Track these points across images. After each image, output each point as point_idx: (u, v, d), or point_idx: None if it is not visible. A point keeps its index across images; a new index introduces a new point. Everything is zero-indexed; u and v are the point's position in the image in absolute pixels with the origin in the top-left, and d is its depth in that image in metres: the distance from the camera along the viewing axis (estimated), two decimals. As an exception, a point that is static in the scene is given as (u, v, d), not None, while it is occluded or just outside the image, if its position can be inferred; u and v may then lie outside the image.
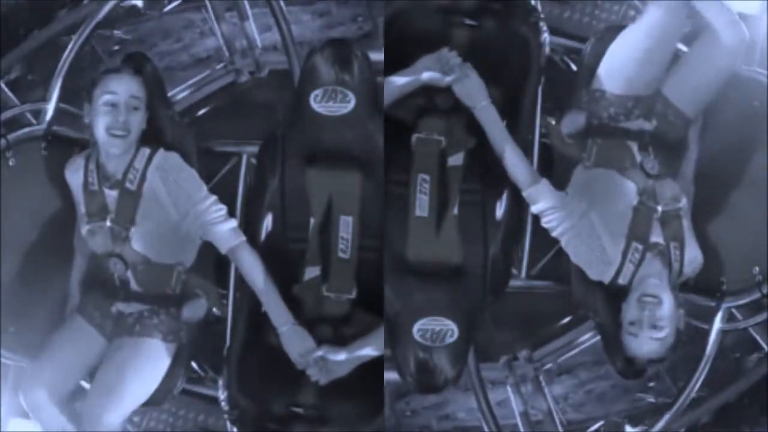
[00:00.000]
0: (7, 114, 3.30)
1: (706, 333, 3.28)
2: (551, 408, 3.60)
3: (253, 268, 3.11)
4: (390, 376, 3.19)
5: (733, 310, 3.28)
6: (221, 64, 3.68)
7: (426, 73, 3.07)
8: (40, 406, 3.11)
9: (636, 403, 3.68)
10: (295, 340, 3.06)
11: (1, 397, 3.33)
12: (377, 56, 3.21)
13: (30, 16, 3.45)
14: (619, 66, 3.11)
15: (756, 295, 3.24)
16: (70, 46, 3.33)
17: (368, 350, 3.08)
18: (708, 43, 3.09)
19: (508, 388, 3.61)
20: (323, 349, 3.04)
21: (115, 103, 3.03)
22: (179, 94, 3.65)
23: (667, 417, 3.32)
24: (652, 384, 3.65)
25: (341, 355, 3.04)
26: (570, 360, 3.68)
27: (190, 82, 3.67)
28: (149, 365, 3.15)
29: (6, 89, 3.38)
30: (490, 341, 3.58)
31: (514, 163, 3.09)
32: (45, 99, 3.34)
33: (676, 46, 3.10)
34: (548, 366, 3.63)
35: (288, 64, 3.47)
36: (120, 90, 3.05)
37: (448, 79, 3.06)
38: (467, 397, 3.66)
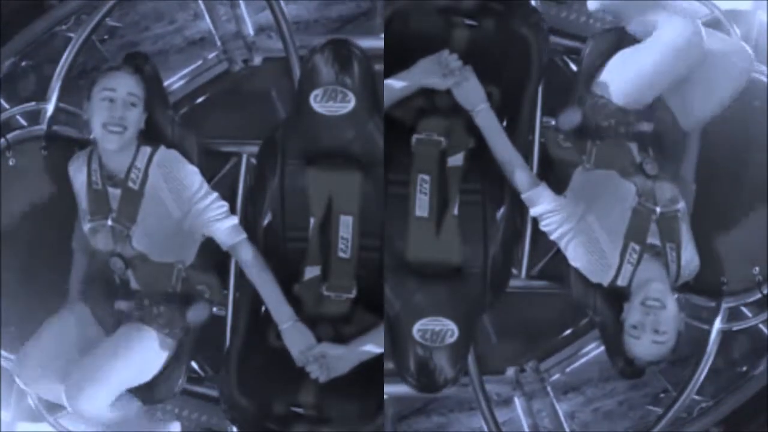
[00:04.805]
0: (6, 114, 3.32)
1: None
2: (562, 422, 3.59)
3: (254, 265, 3.13)
4: (390, 390, 3.19)
5: (743, 308, 3.29)
6: (213, 53, 3.66)
7: (426, 78, 3.07)
8: (30, 378, 3.12)
9: (643, 420, 3.67)
10: (296, 337, 3.06)
11: (3, 400, 3.35)
12: (377, 42, 3.21)
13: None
14: (625, 79, 3.09)
15: (756, 295, 3.25)
16: (69, 47, 3.32)
17: (368, 347, 3.08)
18: (714, 69, 3.07)
19: (516, 402, 3.61)
20: (323, 346, 3.05)
21: (113, 98, 3.04)
22: (174, 84, 3.63)
23: (669, 415, 3.31)
24: (662, 396, 3.64)
25: (341, 351, 3.05)
26: (577, 376, 3.68)
27: (184, 71, 3.65)
28: (141, 353, 3.13)
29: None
30: (491, 351, 3.59)
31: (513, 166, 3.10)
32: (37, 87, 3.36)
33: (685, 70, 3.06)
34: (556, 377, 3.62)
35: (282, 46, 3.43)
36: (118, 86, 3.06)
37: (447, 82, 3.06)
38: (470, 418, 3.68)
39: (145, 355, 3.14)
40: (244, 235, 3.14)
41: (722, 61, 3.09)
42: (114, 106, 3.04)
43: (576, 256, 3.09)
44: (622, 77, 3.11)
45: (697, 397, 3.32)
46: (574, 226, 3.06)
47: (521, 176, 3.09)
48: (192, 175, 3.14)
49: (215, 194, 3.14)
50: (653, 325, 2.94)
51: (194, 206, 3.11)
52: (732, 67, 3.11)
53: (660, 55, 3.02)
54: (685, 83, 3.08)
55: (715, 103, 3.13)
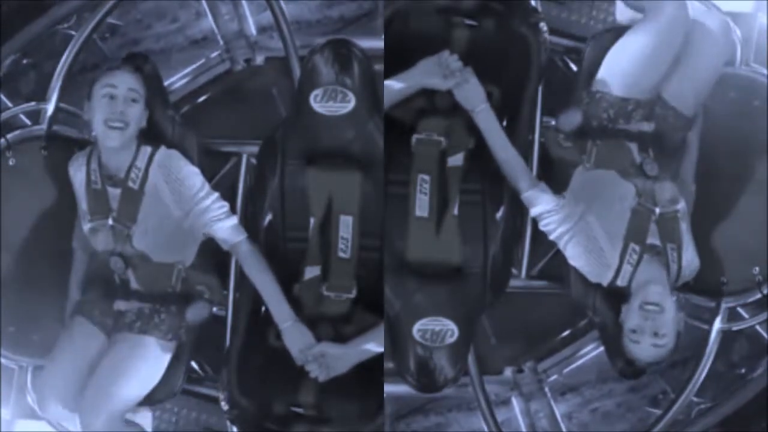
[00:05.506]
0: (6, 114, 3.31)
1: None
2: (559, 423, 3.59)
3: (255, 265, 3.13)
4: (390, 389, 3.19)
5: (739, 309, 3.29)
6: (216, 52, 3.66)
7: (426, 79, 3.07)
8: (55, 414, 3.16)
9: (642, 421, 3.66)
10: (296, 337, 3.06)
11: (3, 398, 3.35)
12: (377, 43, 3.20)
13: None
14: (621, 67, 3.11)
15: (756, 295, 3.25)
16: (70, 46, 3.32)
17: (368, 346, 3.07)
18: (700, 43, 3.10)
19: (513, 401, 3.61)
20: (323, 345, 3.05)
21: (114, 95, 3.05)
22: (175, 83, 3.63)
23: (669, 416, 3.31)
24: (660, 397, 3.64)
25: (341, 351, 3.05)
26: (575, 377, 3.67)
27: (186, 71, 3.66)
28: (147, 364, 3.15)
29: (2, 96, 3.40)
30: (490, 351, 3.59)
31: (512, 166, 3.10)
32: (37, 85, 3.36)
33: (677, 48, 3.09)
34: (553, 377, 3.63)
35: (282, 45, 3.44)
36: (118, 83, 3.06)
37: (448, 83, 3.06)
38: (469, 417, 3.67)
39: (150, 365, 3.16)
40: (244, 235, 3.14)
41: (704, 35, 3.10)
42: (115, 102, 3.04)
43: (575, 255, 3.09)
44: (619, 67, 3.11)
45: (696, 399, 3.32)
46: (572, 226, 3.05)
47: (520, 177, 3.10)
48: (193, 176, 3.14)
49: (216, 194, 3.14)
50: (653, 329, 2.93)
51: (195, 207, 3.11)
52: (714, 37, 3.11)
53: (649, 34, 3.05)
54: (674, 71, 3.09)
55: (707, 78, 3.14)
